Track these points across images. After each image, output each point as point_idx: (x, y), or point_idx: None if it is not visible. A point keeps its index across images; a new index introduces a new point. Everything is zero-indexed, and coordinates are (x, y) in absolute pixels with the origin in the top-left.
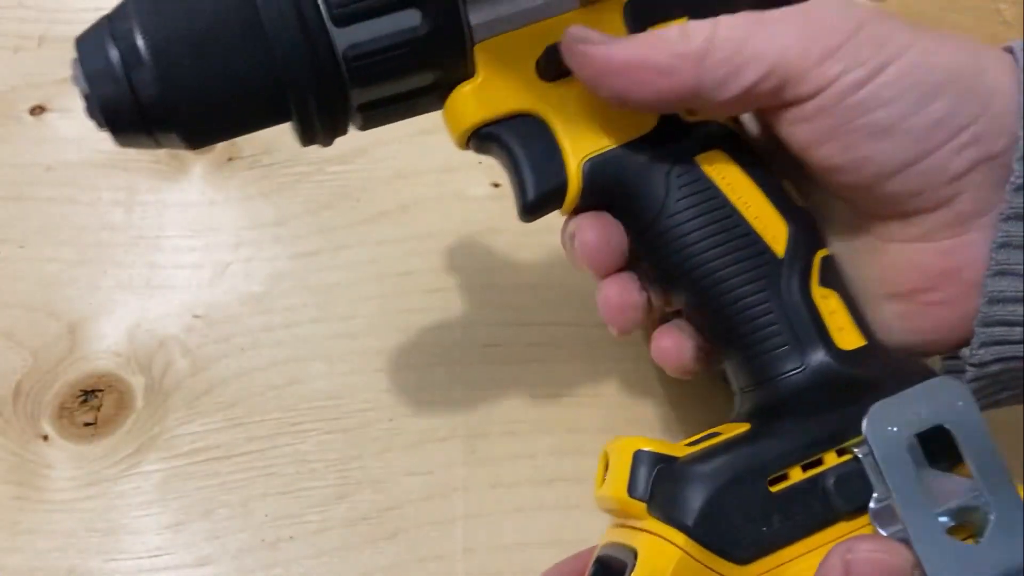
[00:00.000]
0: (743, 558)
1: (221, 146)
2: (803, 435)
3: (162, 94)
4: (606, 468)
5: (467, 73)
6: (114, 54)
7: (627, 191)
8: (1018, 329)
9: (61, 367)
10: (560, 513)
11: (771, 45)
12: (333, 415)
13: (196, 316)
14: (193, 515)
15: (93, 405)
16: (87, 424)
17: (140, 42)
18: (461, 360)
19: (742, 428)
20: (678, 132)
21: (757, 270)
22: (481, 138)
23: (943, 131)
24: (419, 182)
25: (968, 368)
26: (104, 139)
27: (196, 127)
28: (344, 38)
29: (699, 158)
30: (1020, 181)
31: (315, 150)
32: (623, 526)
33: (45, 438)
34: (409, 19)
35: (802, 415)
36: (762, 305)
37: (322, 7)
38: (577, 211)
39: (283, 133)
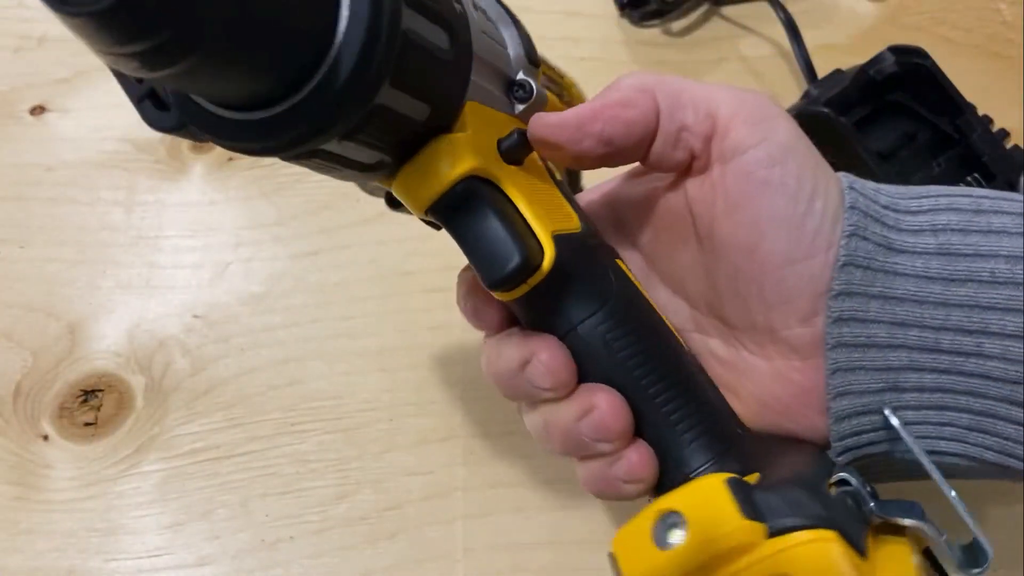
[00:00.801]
0: (861, 550)
1: None
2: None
3: None
4: (672, 525)
5: (447, 124)
6: None
7: (581, 275)
8: (866, 436)
9: (61, 367)
10: (560, 513)
11: (707, 97)
12: (333, 415)
13: (196, 316)
14: (193, 515)
15: (93, 405)
16: (87, 424)
17: None
18: (461, 360)
19: (755, 475)
20: (597, 236)
21: (686, 358)
22: (457, 196)
23: (823, 238)
24: None
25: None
26: (105, 139)
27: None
28: (408, 20)
29: (617, 260)
30: (834, 315)
31: None
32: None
33: (45, 438)
34: (442, 38)
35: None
36: (702, 379)
37: None
38: (536, 295)
39: None
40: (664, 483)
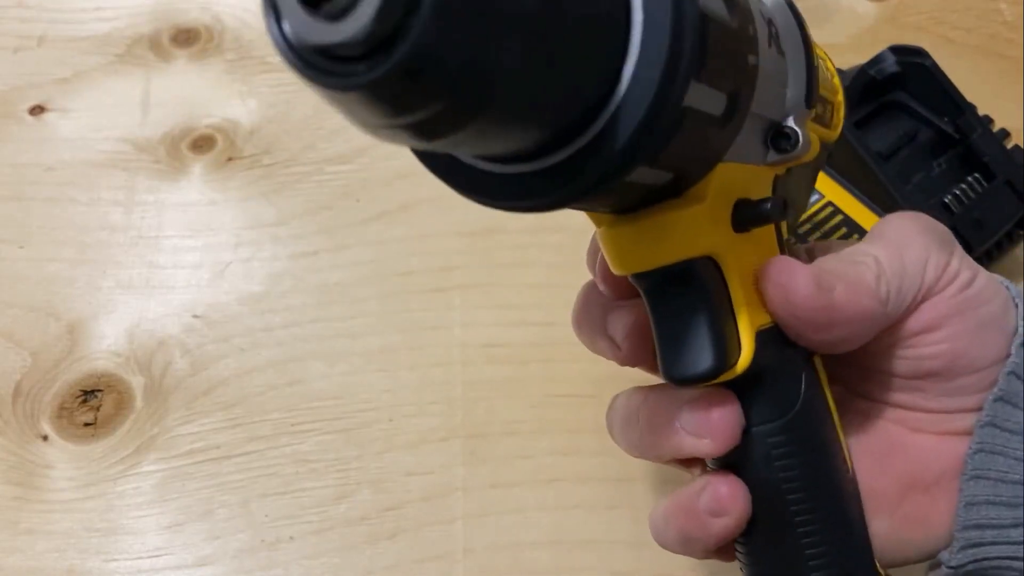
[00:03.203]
0: None
1: (220, 146)
2: None
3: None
4: None
5: (683, 189)
6: None
7: (770, 379)
8: (990, 532)
9: (61, 367)
10: (560, 513)
11: (915, 270)
12: (333, 415)
13: (195, 316)
14: (192, 515)
15: (92, 405)
16: (87, 424)
17: None
18: (461, 360)
19: None
20: None
21: (847, 487)
22: (669, 274)
23: (1012, 337)
24: (419, 182)
25: (946, 569)
26: (104, 139)
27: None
28: (692, 95)
29: (814, 359)
30: (999, 394)
31: (313, 150)
32: None
33: (45, 438)
34: (719, 105)
35: None
36: (854, 512)
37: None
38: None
39: (282, 133)
40: None
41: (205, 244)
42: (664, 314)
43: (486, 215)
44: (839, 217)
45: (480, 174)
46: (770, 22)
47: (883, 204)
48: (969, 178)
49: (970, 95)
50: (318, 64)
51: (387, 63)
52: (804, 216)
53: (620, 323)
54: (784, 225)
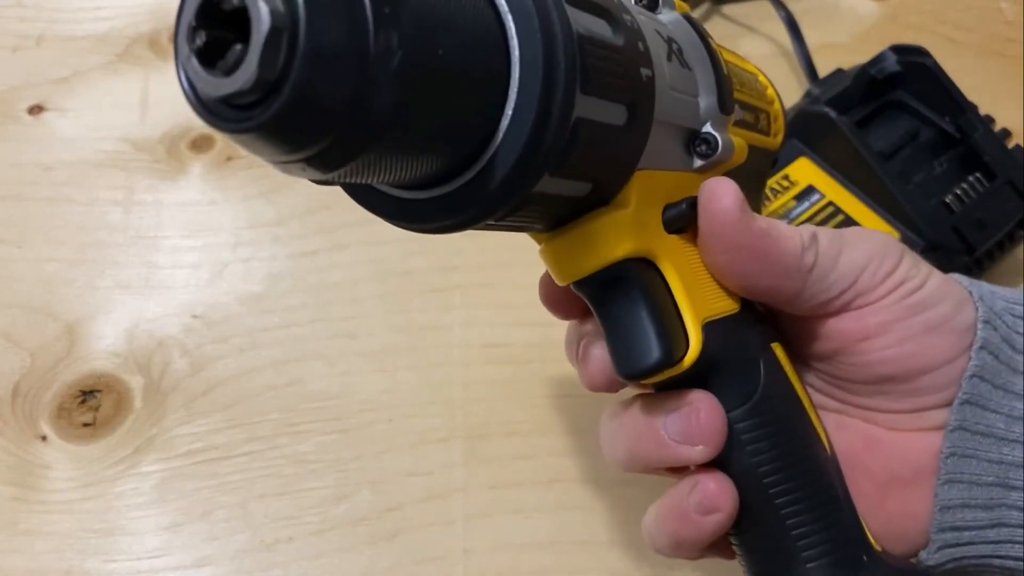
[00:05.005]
0: None
1: (220, 146)
2: None
3: (399, 96)
4: None
5: (608, 198)
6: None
7: (727, 367)
8: (967, 534)
9: (59, 367)
10: (560, 514)
11: (853, 266)
12: (332, 415)
13: (195, 316)
14: (191, 516)
15: (92, 406)
16: (85, 425)
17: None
18: (461, 360)
19: None
20: (756, 318)
21: (826, 466)
22: (607, 278)
23: (970, 335)
24: None
25: (924, 567)
26: (103, 139)
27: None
28: (582, 107)
29: (773, 346)
30: (965, 397)
31: None
32: None
33: (44, 439)
34: (619, 115)
35: None
36: (838, 493)
37: (577, 70)
38: (673, 384)
39: None
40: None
41: (204, 244)
42: (609, 317)
43: None
44: (840, 217)
45: (400, 201)
46: (670, 40)
47: (884, 204)
48: (970, 178)
49: (971, 95)
50: (223, 113)
51: (276, 103)
52: (804, 216)
53: (580, 350)
54: None
